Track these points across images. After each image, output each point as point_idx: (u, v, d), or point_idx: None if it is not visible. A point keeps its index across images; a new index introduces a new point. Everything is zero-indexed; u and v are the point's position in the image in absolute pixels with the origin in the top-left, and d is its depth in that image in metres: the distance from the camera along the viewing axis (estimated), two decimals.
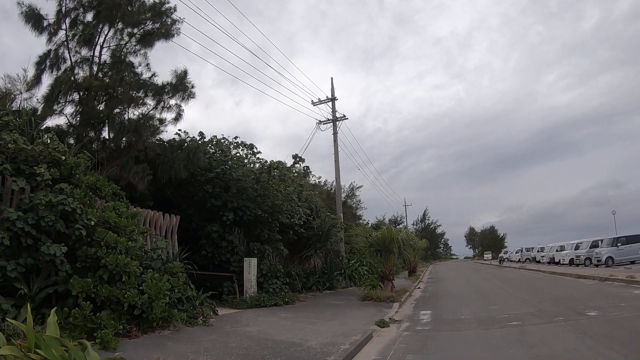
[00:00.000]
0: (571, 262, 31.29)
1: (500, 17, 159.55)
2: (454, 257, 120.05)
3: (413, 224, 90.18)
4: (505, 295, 14.99)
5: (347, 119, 25.69)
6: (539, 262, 40.47)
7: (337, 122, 25.40)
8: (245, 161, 15.37)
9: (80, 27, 11.43)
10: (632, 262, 25.31)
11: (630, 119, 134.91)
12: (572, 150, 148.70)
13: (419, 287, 21.85)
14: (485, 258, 76.33)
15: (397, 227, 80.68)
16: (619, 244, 26.77)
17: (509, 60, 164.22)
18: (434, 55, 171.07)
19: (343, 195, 45.00)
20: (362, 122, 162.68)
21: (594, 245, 29.33)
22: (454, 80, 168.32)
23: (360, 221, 38.45)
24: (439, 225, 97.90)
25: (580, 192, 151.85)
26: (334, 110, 25.45)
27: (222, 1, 17.09)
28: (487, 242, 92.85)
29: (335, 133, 25.26)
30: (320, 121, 25.76)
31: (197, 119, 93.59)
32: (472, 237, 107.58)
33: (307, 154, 78.89)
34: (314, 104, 25.71)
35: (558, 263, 34.09)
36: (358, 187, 45.50)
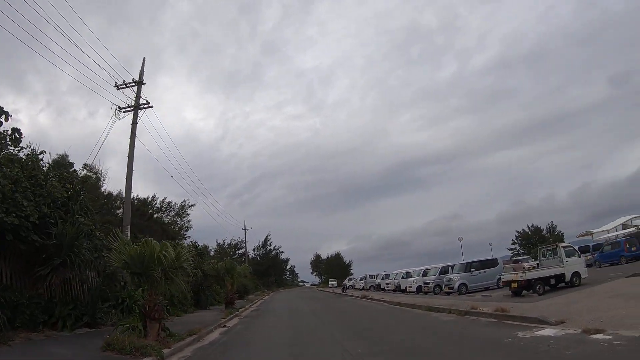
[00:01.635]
0: (419, 290, 28.88)
1: (364, 59, 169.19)
2: (301, 284, 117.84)
3: (254, 249, 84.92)
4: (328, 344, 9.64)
5: (152, 106, 21.47)
6: (384, 289, 38.23)
7: (141, 111, 21.01)
8: None
9: None
10: (487, 289, 23.10)
11: (471, 161, 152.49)
12: (420, 185, 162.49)
13: (224, 326, 15.87)
14: (330, 285, 74.06)
15: (238, 252, 75.38)
16: (472, 270, 24.64)
17: (366, 99, 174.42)
18: (295, 87, 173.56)
19: (171, 213, 38.34)
20: (217, 146, 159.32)
21: (444, 271, 27.14)
22: (312, 112, 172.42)
23: (184, 241, 31.68)
24: (282, 252, 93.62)
25: (426, 222, 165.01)
26: (138, 96, 21.01)
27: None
28: (333, 269, 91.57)
29: (134, 123, 20.71)
30: (119, 107, 20.73)
31: None
32: (318, 264, 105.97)
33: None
34: (117, 87, 20.63)
35: (404, 291, 31.73)
36: (190, 206, 40.53)
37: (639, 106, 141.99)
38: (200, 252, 28.33)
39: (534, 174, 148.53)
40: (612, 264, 29.00)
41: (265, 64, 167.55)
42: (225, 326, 15.83)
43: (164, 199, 38.16)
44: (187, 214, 40.62)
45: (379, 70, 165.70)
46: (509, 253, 57.48)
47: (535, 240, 55.16)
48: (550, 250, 19.70)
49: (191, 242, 33.27)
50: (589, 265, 32.35)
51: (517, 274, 17.45)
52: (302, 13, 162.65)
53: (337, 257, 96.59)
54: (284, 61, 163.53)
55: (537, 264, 19.83)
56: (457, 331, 10.16)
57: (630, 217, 61.70)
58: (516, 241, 59.58)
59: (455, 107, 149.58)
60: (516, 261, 31.73)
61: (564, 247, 19.03)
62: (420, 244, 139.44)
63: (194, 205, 41.03)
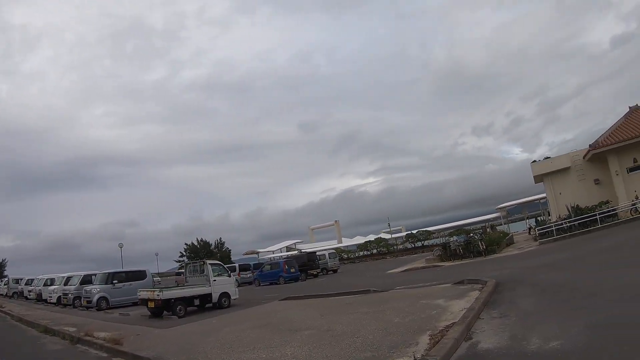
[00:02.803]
0: (59, 301, 24.93)
1: (76, 35, 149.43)
2: None
3: None
4: None
5: None
6: (27, 298, 31.86)
7: None
8: None
9: None
10: (135, 304, 20.58)
11: (156, 168, 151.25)
12: (101, 185, 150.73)
13: None
14: None
15: None
16: (115, 281, 22.50)
17: (65, 79, 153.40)
18: None
19: None
20: None
21: (87, 280, 23.95)
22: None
23: None
24: None
25: (101, 225, 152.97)
26: None
27: None
28: None
29: None
30: None
31: None
32: None
33: None
34: None
35: (46, 301, 27.02)
36: None
37: (318, 152, 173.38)
38: None
39: (215, 192, 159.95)
40: (272, 283, 31.31)
41: None
42: None
43: None
44: None
45: (87, 53, 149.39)
46: (177, 265, 57.71)
47: (203, 255, 56.91)
48: (197, 267, 18.57)
49: None
50: (249, 283, 34.94)
51: (153, 291, 15.93)
52: None
53: None
54: None
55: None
56: None
57: (295, 241, 72.43)
58: (184, 254, 61.04)
59: (151, 112, 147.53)
60: (179, 274, 31.34)
61: (211, 264, 18.08)
62: (93, 247, 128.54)
63: None
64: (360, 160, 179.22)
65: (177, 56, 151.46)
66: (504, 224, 54.24)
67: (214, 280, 17.35)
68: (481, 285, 12.41)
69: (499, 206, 55.14)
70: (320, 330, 8.99)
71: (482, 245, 25.40)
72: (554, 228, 26.93)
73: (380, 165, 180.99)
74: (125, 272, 24.41)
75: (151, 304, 15.75)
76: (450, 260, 26.16)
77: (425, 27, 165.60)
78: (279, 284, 30.78)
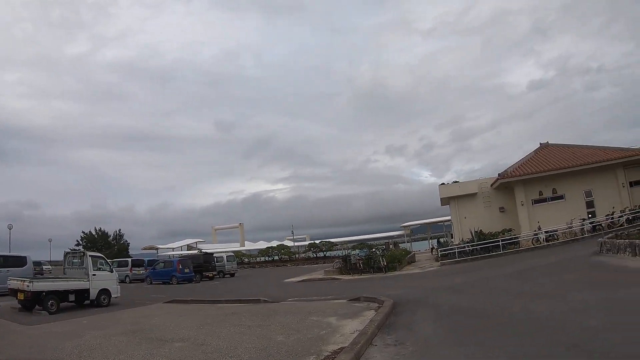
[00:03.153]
0: None
1: None
2: None
3: None
4: None
5: None
6: None
7: None
8: None
9: None
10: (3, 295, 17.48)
11: (65, 149, 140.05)
12: (1, 159, 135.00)
13: None
14: None
15: None
16: None
17: None
18: None
19: None
20: None
21: None
22: None
23: None
24: None
25: None
26: None
27: None
28: None
29: None
30: None
31: None
32: None
33: None
34: None
35: None
36: None
37: (232, 152, 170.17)
38: None
39: (122, 181, 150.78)
40: (164, 283, 29.68)
41: None
42: None
43: None
44: None
45: (9, 13, 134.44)
46: None
47: (101, 245, 54.84)
48: (76, 258, 16.52)
49: None
50: (141, 281, 32.45)
51: (23, 281, 14.26)
52: None
53: None
54: None
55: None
56: None
57: (197, 240, 69.32)
58: (81, 243, 57.83)
59: (67, 87, 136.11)
60: None
61: (92, 256, 16.42)
62: None
63: None
64: (272, 166, 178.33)
65: (103, 32, 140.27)
66: (407, 242, 55.32)
67: (94, 275, 15.86)
68: (378, 305, 11.57)
69: (404, 224, 56.22)
70: (193, 344, 8.13)
71: (383, 261, 25.07)
72: (456, 250, 27.20)
73: (292, 172, 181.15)
74: (3, 257, 21.43)
75: (20, 296, 14.17)
76: (350, 274, 25.72)
77: (355, 45, 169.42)
78: (172, 284, 29.45)
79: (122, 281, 33.60)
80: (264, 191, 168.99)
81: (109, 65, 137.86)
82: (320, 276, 26.97)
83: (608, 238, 16.72)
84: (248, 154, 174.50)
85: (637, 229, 17.93)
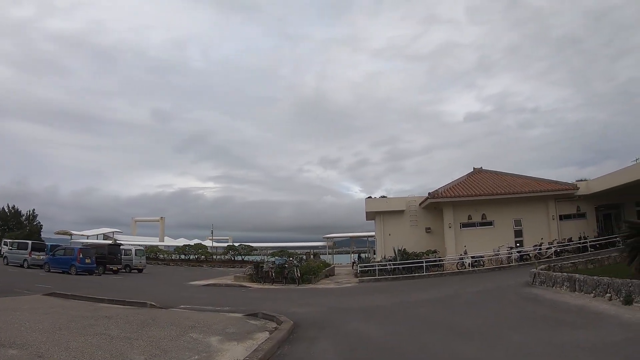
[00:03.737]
0: None
1: None
2: None
3: None
4: None
5: None
6: None
7: None
8: None
9: None
10: None
11: None
12: None
13: None
14: None
15: None
16: None
17: None
18: None
19: None
20: None
21: None
22: None
23: None
24: None
25: None
26: None
27: None
28: None
29: None
30: None
31: None
32: None
33: None
34: None
35: None
36: None
37: (166, 144, 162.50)
38: None
39: (48, 159, 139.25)
40: (63, 272, 27.32)
41: None
42: None
43: None
44: None
45: None
46: None
47: (12, 224, 52.36)
48: None
49: None
50: (40, 267, 29.18)
51: None
52: None
53: None
54: None
55: None
56: None
57: (114, 230, 64.03)
58: None
59: (4, 51, 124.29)
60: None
61: None
62: None
63: None
64: (205, 163, 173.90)
65: (52, 0, 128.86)
66: (329, 254, 53.70)
67: None
68: (275, 326, 9.74)
69: (327, 235, 54.60)
70: (29, 354, 6.50)
71: (297, 272, 23.39)
72: (377, 268, 25.80)
73: (223, 172, 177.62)
74: None
75: None
76: (261, 282, 24.05)
77: (303, 54, 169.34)
78: (70, 274, 26.94)
79: (19, 265, 30.68)
80: (194, 188, 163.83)
81: (52, 35, 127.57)
82: (228, 282, 25.05)
83: (542, 269, 15.38)
84: (182, 148, 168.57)
85: (570, 262, 16.82)
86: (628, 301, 9.75)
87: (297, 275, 23.27)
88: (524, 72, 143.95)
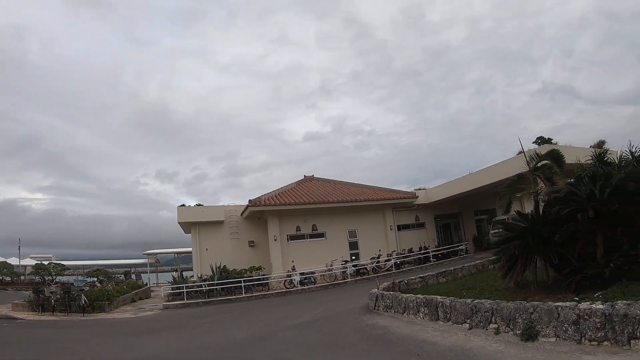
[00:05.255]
0: None
1: None
2: None
3: None
4: None
5: None
6: None
7: None
8: None
9: None
10: None
11: None
12: None
13: None
14: None
15: None
16: None
17: None
18: None
19: None
20: None
21: None
22: None
23: None
24: None
25: None
26: None
27: None
28: None
29: None
30: None
31: None
32: None
33: None
34: None
35: None
36: None
37: None
38: None
39: None
40: None
41: None
42: None
43: None
44: None
45: None
46: None
47: None
48: None
49: None
50: None
51: None
52: None
53: None
54: None
55: None
56: None
57: None
58: None
59: None
60: None
61: None
62: None
63: None
64: (35, 171, 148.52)
65: None
66: (152, 272, 46.00)
67: None
68: None
69: (148, 252, 46.90)
70: None
71: (84, 299, 18.97)
72: (184, 290, 21.19)
73: (54, 182, 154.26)
74: None
75: None
76: (39, 311, 19.39)
77: (149, 61, 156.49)
78: None
79: None
80: (20, 199, 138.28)
81: None
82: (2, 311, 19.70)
83: (385, 289, 11.70)
84: (10, 152, 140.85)
85: (418, 277, 13.56)
86: (530, 336, 6.26)
87: (84, 302, 18.96)
88: (364, 97, 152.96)
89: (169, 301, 21.40)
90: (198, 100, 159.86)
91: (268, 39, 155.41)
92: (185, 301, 20.32)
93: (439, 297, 8.65)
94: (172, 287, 22.96)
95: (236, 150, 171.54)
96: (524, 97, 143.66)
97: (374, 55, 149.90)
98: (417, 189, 30.87)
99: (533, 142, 41.26)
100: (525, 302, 6.69)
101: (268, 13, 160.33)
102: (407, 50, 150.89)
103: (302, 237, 25.63)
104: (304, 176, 30.85)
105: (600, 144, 17.51)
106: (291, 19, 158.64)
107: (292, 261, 23.60)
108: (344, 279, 22.46)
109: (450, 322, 8.07)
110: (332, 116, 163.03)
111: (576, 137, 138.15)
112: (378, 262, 23.83)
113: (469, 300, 7.79)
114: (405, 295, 9.82)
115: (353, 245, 26.20)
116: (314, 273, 22.21)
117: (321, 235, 25.98)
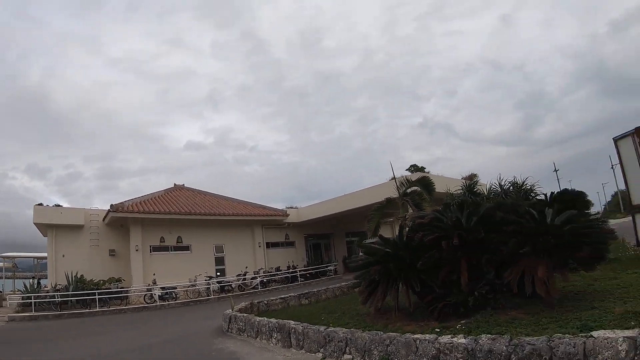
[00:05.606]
0: None
1: None
2: None
3: None
4: None
5: None
6: None
7: None
8: None
9: None
10: None
11: None
12: None
13: None
14: None
15: None
16: None
17: None
18: None
19: None
20: None
21: None
22: None
23: None
24: None
25: None
26: None
27: None
28: None
29: None
30: None
31: None
32: None
33: None
34: None
35: None
36: None
37: None
38: None
39: None
40: None
41: None
42: None
43: None
44: None
45: None
46: None
47: None
48: None
49: None
50: None
51: None
52: None
53: None
54: None
55: None
56: None
57: None
58: None
59: None
60: None
61: None
62: None
63: None
64: None
65: None
66: (8, 278, 39.62)
67: None
68: None
69: (4, 254, 40.41)
70: None
71: None
72: (32, 300, 19.42)
73: None
74: None
75: None
76: None
77: (36, 41, 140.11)
78: None
79: None
80: None
81: None
82: None
83: (241, 310, 10.96)
84: None
85: (280, 297, 13.15)
86: None
87: None
88: (250, 112, 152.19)
89: (17, 312, 19.27)
90: (81, 92, 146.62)
91: (162, 39, 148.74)
92: (33, 313, 18.42)
93: (292, 322, 8.15)
94: (21, 297, 20.77)
95: (114, 151, 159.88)
96: (405, 129, 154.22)
97: (266, 72, 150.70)
98: (289, 207, 30.65)
99: (407, 169, 43.42)
100: (382, 332, 6.38)
101: (168, 12, 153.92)
102: (299, 71, 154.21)
103: (166, 249, 24.62)
104: (174, 184, 29.86)
105: (472, 177, 18.64)
106: (190, 22, 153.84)
107: (154, 274, 22.47)
108: (208, 295, 21.76)
109: (303, 350, 7.56)
110: (216, 127, 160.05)
111: (450, 170, 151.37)
112: (244, 279, 23.34)
113: (322, 328, 7.33)
114: (258, 319, 9.23)
115: (219, 261, 25.85)
116: (175, 288, 21.42)
117: (186, 248, 25.22)
